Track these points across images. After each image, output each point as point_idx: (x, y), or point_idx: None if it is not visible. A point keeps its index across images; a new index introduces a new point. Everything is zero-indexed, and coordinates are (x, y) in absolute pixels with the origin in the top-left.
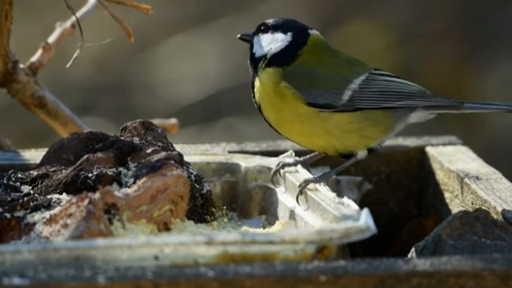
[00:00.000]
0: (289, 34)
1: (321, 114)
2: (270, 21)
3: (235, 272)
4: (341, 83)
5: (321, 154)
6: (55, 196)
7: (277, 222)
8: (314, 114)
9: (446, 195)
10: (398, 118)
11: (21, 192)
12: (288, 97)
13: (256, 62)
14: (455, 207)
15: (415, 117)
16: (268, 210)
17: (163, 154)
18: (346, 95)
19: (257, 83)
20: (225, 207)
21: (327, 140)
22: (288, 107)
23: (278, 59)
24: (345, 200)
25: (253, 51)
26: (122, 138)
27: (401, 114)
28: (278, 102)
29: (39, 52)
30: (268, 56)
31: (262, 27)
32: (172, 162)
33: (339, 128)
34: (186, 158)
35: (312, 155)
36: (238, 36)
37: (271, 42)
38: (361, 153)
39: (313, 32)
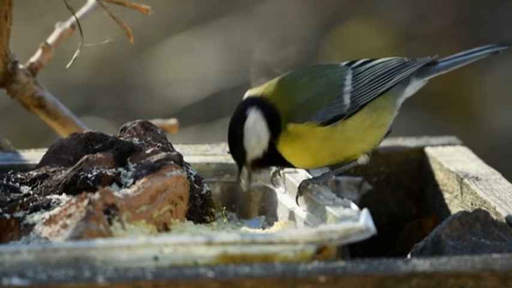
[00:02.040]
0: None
1: (336, 128)
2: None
3: (235, 272)
4: (335, 91)
5: None
6: (55, 196)
7: (276, 222)
8: (331, 131)
9: (446, 195)
10: (396, 94)
11: (21, 192)
12: (302, 132)
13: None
14: (454, 207)
15: (411, 89)
16: (267, 211)
17: (162, 154)
18: (347, 99)
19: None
20: (224, 207)
21: (354, 148)
22: (309, 139)
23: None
24: (345, 200)
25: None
26: (122, 138)
27: (397, 89)
28: (299, 144)
29: (38, 52)
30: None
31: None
32: (172, 162)
33: (358, 130)
34: (186, 159)
35: None
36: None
37: (255, 147)
38: (362, 159)
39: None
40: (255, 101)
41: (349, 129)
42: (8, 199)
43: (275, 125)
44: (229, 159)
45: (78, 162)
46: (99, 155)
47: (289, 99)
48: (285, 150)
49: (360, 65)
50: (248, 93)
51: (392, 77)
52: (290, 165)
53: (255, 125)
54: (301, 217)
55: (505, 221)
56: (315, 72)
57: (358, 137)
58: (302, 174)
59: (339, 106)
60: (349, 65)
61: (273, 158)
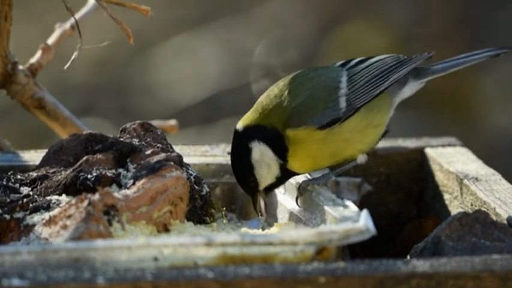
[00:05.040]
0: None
1: (333, 131)
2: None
3: (235, 273)
4: (330, 95)
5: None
6: (54, 197)
7: (276, 223)
8: (328, 134)
9: (446, 196)
10: (392, 94)
11: (21, 193)
12: (301, 136)
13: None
14: (454, 208)
15: (408, 90)
16: (267, 212)
17: (162, 155)
18: (343, 102)
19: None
20: (224, 208)
21: (351, 148)
22: (308, 143)
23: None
24: (345, 201)
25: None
26: (122, 139)
27: (394, 89)
28: (300, 149)
29: (38, 53)
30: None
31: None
32: (172, 163)
33: (355, 131)
34: (186, 159)
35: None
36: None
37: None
38: (361, 158)
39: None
40: (253, 130)
41: (346, 130)
42: (8, 200)
43: (281, 147)
44: (229, 160)
45: (78, 163)
46: (99, 155)
47: (283, 110)
48: (291, 161)
49: (355, 65)
50: (241, 123)
51: (389, 76)
52: (294, 174)
53: (262, 157)
54: (301, 218)
55: (505, 221)
56: (303, 77)
57: (355, 137)
58: (301, 175)
59: (334, 110)
60: (343, 65)
61: (285, 177)
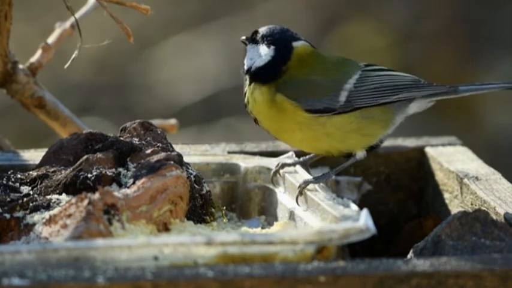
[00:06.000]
0: (272, 48)
1: (320, 120)
2: (260, 30)
3: (235, 272)
4: (335, 86)
5: (319, 155)
6: (54, 197)
7: (276, 222)
8: (313, 120)
9: (446, 195)
10: (397, 111)
11: (21, 192)
12: (286, 108)
13: (245, 73)
14: (454, 207)
15: (414, 107)
16: (267, 211)
17: (162, 155)
18: (343, 96)
19: (251, 98)
20: (224, 207)
21: (329, 144)
22: (288, 117)
23: (262, 75)
24: (345, 200)
25: (244, 61)
26: (122, 138)
27: (400, 106)
28: (276, 115)
29: (38, 52)
30: (252, 70)
31: (253, 36)
32: (172, 162)
33: (340, 130)
34: (186, 159)
35: (311, 155)
36: (241, 39)
37: (255, 56)
38: (360, 154)
39: (298, 44)
40: (288, 43)
41: (332, 125)
42: (8, 199)
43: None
44: (229, 160)
45: (78, 162)
46: (99, 155)
47: (301, 71)
48: (264, 110)
49: (373, 69)
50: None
51: (398, 93)
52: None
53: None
54: (301, 217)
55: (504, 220)
56: (335, 64)
57: (338, 136)
58: (302, 174)
59: (332, 99)
60: (365, 65)
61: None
